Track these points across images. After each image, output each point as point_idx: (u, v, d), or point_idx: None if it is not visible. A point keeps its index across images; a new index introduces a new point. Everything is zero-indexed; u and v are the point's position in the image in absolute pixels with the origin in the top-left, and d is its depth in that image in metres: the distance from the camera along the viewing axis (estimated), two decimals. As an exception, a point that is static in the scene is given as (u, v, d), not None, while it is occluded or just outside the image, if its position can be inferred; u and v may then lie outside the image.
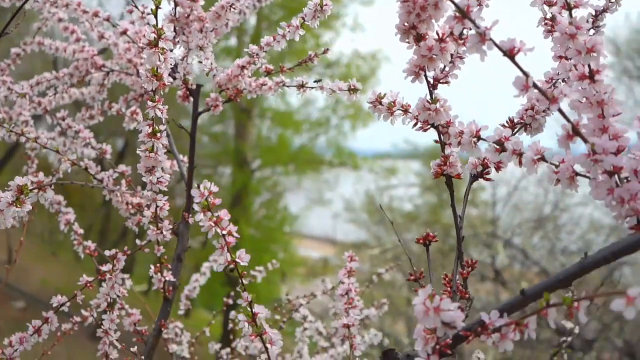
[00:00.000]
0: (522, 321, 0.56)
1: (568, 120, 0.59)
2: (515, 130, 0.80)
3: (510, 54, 0.58)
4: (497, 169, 0.78)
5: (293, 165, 11.73)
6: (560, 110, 0.59)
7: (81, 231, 1.18)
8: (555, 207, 7.04)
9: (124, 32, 1.14)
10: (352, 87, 0.97)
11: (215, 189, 0.71)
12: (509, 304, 0.60)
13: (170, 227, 1.02)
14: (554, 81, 0.81)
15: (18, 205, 0.75)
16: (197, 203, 0.70)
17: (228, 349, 1.46)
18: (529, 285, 1.29)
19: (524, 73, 0.58)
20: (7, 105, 1.43)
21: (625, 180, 0.60)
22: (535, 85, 0.58)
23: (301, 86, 1.06)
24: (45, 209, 1.18)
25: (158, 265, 1.07)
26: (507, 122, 0.80)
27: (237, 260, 0.72)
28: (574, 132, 0.59)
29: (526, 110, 0.79)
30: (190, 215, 1.08)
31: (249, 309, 0.74)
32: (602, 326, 5.78)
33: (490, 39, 0.57)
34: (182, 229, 1.14)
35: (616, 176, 0.61)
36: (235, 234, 0.72)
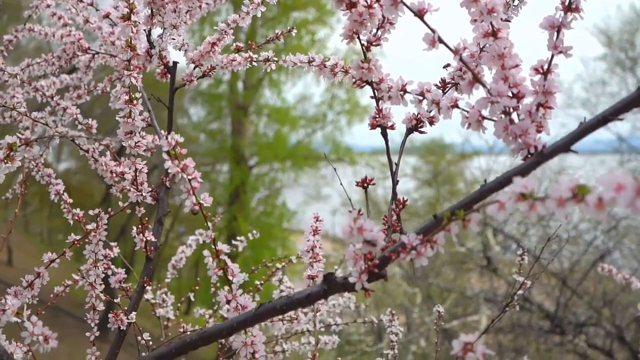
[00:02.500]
0: (432, 237, 0.67)
1: (469, 69, 0.70)
2: (447, 89, 0.90)
3: (420, 14, 0.68)
4: (431, 123, 0.89)
5: (290, 162, 11.82)
6: (462, 60, 0.69)
7: (70, 200, 1.28)
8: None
9: (107, 16, 1.24)
10: (311, 59, 1.08)
11: (181, 139, 0.81)
12: (425, 228, 0.71)
13: (150, 189, 1.13)
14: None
15: (9, 161, 0.86)
16: (165, 152, 0.81)
17: (210, 311, 1.57)
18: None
19: (432, 30, 0.69)
20: (1, 90, 1.54)
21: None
22: (440, 40, 0.68)
23: (267, 60, 1.17)
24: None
25: (140, 226, 1.18)
26: (439, 81, 0.91)
27: (201, 202, 0.83)
28: (475, 79, 0.70)
29: (456, 71, 0.90)
30: (168, 180, 1.19)
31: (212, 246, 0.85)
32: (593, 311, 5.89)
33: (401, 2, 0.68)
34: (162, 194, 1.25)
35: (516, 116, 0.71)
36: (199, 179, 0.82)
